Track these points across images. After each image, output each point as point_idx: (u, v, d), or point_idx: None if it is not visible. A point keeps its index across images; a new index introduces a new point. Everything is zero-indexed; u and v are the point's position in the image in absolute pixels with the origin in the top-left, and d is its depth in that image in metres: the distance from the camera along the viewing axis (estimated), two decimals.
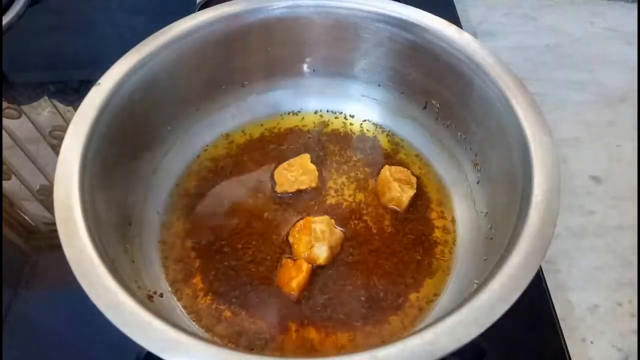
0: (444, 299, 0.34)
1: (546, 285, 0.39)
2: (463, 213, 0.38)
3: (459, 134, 0.39)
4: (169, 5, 0.58)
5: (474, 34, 0.62)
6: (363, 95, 0.44)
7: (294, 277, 0.34)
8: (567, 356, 0.36)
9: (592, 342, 0.39)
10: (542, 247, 0.25)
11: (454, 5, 0.63)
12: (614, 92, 0.56)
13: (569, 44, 0.61)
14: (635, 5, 0.65)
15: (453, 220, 0.38)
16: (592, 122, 0.54)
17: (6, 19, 0.59)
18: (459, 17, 0.62)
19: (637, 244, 0.44)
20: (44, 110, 0.53)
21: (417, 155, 0.42)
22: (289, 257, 0.36)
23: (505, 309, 0.23)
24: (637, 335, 0.39)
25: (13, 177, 0.48)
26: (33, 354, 0.37)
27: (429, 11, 0.37)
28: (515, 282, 0.24)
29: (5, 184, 0.47)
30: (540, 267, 0.41)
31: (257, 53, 0.41)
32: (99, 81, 0.33)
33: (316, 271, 0.36)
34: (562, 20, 0.64)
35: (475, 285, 0.26)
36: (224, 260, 0.36)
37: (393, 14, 0.36)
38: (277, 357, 0.24)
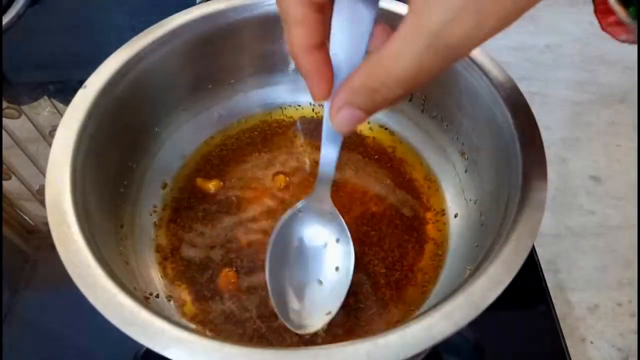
0: (438, 287, 0.34)
1: (546, 285, 0.39)
2: (453, 202, 0.38)
3: (446, 124, 0.39)
4: (169, 5, 0.58)
5: None
6: None
7: None
8: (567, 356, 0.36)
9: (592, 342, 0.39)
10: (532, 230, 0.26)
11: None
12: (614, 92, 0.56)
13: (569, 44, 0.61)
14: None
15: (443, 210, 0.38)
16: (592, 122, 0.54)
17: (6, 19, 0.59)
18: None
19: (637, 244, 0.44)
20: (44, 110, 0.53)
21: (406, 147, 0.42)
22: None
23: (500, 291, 0.24)
24: (637, 335, 0.39)
25: (13, 177, 0.48)
26: (33, 354, 0.37)
27: None
28: (508, 265, 0.25)
29: (5, 184, 0.47)
30: (540, 267, 0.41)
31: (249, 50, 0.41)
32: (85, 83, 0.32)
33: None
34: (562, 20, 0.64)
35: (468, 271, 0.26)
36: (217, 264, 0.36)
37: (382, 7, 0.37)
38: (279, 349, 0.24)
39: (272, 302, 0.32)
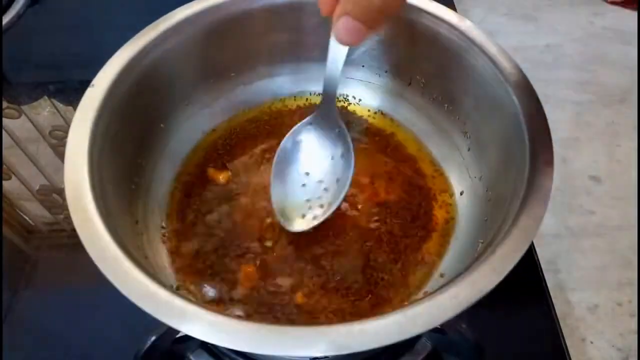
0: (447, 266, 0.34)
1: (546, 285, 0.39)
2: (459, 182, 0.38)
3: (446, 105, 0.39)
4: (169, 5, 0.58)
5: None
6: (347, 78, 0.44)
7: None
8: (567, 356, 0.36)
9: (592, 342, 0.39)
10: (543, 199, 0.26)
11: (454, 5, 0.63)
12: (614, 92, 0.56)
13: (569, 44, 0.61)
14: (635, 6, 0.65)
15: (450, 191, 0.39)
16: (592, 122, 0.54)
17: (6, 19, 0.59)
18: None
19: (637, 244, 0.44)
20: (44, 110, 0.53)
21: (408, 132, 0.42)
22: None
23: (519, 257, 0.24)
24: (637, 335, 0.39)
25: (13, 177, 0.48)
26: (33, 354, 0.37)
27: None
28: (523, 234, 0.25)
29: (5, 184, 0.47)
30: (540, 267, 0.41)
31: (252, 41, 0.41)
32: (93, 82, 0.33)
33: (317, 256, 0.35)
34: (562, 20, 0.64)
35: (480, 245, 0.27)
36: (232, 256, 0.36)
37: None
38: (303, 326, 0.24)
39: (272, 199, 0.35)
